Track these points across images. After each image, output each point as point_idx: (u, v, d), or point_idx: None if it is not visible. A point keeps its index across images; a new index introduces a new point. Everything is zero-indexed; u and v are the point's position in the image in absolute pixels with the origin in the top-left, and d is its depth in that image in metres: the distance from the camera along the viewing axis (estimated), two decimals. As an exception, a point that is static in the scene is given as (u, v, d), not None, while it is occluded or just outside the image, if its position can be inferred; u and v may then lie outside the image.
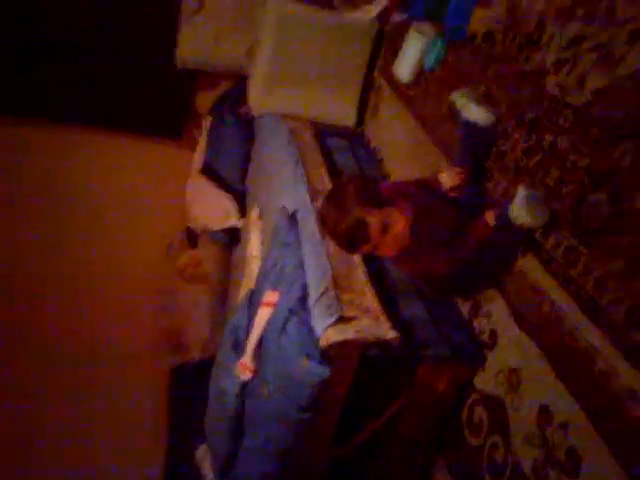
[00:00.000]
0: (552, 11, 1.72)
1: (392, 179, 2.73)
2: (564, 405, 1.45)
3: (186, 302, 2.99)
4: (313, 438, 1.78)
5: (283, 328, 1.74)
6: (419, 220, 1.73)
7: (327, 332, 1.63)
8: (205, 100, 3.75)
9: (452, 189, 1.90)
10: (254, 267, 2.40)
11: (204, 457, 2.28)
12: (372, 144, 3.09)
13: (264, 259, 2.27)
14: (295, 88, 3.05)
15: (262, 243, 2.48)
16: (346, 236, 1.65)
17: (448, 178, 1.90)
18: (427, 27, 2.46)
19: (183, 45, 3.42)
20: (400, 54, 2.64)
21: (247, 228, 2.79)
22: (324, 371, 1.59)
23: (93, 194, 3.49)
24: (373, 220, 1.62)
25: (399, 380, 1.82)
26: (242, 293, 2.42)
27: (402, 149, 2.70)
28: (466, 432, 1.84)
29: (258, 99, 3.13)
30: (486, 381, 1.78)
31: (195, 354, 2.81)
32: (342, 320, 1.65)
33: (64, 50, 3.56)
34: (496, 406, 1.71)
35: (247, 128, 3.24)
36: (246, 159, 3.20)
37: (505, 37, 1.96)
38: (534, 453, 1.54)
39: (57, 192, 3.46)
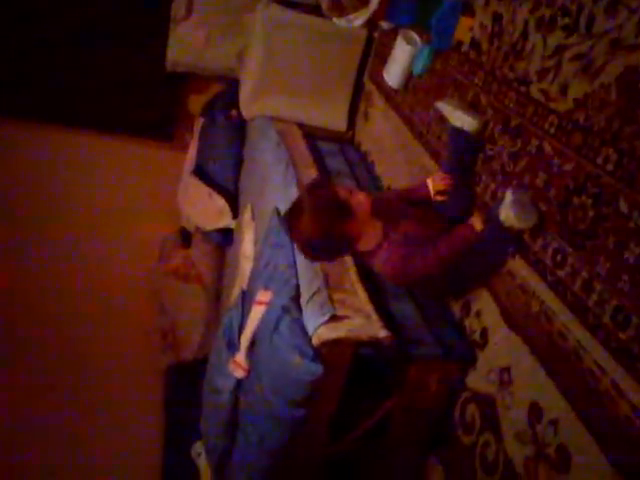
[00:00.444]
0: (534, 21, 1.77)
1: (383, 182, 2.78)
2: (554, 403, 1.48)
3: (180, 302, 3.01)
4: (307, 436, 1.80)
5: (276, 327, 1.76)
6: (391, 220, 1.78)
7: (320, 331, 1.66)
8: (196, 102, 3.79)
9: (438, 193, 1.95)
10: (247, 267, 2.43)
11: (200, 454, 2.31)
12: (362, 148, 3.13)
13: (257, 259, 2.29)
14: (285, 93, 3.09)
15: (255, 243, 2.51)
16: (320, 247, 1.70)
17: (434, 183, 1.96)
18: (415, 35, 2.52)
19: (173, 49, 3.45)
20: (389, 60, 2.69)
21: (240, 228, 2.82)
22: (317, 369, 1.61)
23: (85, 195, 3.50)
24: (344, 227, 1.67)
25: (391, 379, 1.85)
26: (235, 292, 2.44)
27: (392, 153, 2.74)
28: (459, 431, 1.87)
29: (248, 104, 3.16)
30: (478, 380, 1.81)
31: (189, 353, 2.83)
32: (334, 319, 1.68)
33: (55, 51, 3.56)
34: (488, 404, 1.74)
35: (238, 130, 3.27)
36: (238, 160, 3.22)
37: (490, 46, 2.02)
38: (525, 450, 1.57)
39: (49, 193, 3.47)
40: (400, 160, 2.63)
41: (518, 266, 1.69)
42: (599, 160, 1.43)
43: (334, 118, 3.19)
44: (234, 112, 3.28)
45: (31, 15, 3.47)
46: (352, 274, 1.91)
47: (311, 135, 3.05)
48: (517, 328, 1.67)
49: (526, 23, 1.81)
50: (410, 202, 1.99)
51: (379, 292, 1.93)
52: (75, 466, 2.29)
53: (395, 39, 2.63)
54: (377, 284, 1.97)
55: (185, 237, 3.37)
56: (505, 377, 1.68)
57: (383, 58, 2.85)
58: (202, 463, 2.30)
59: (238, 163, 3.20)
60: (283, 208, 2.23)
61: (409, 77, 2.62)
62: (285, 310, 1.78)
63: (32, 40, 3.52)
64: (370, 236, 1.75)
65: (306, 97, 3.11)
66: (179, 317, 2.95)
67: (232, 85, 3.42)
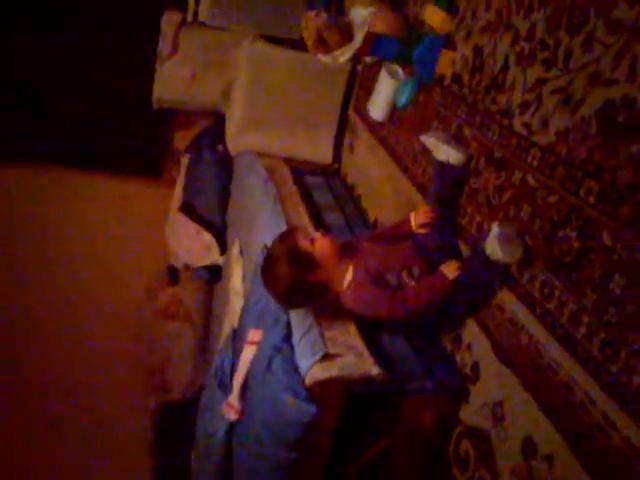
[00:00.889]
0: (515, 55, 1.80)
1: (370, 214, 2.79)
2: (548, 437, 1.47)
3: (168, 340, 2.99)
4: (301, 477, 1.77)
5: (268, 367, 1.75)
6: (360, 260, 1.83)
7: (312, 370, 1.65)
8: (182, 138, 3.81)
9: (421, 226, 1.97)
10: (237, 304, 2.41)
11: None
12: (349, 180, 3.15)
13: (247, 297, 2.28)
14: (271, 127, 3.12)
15: (243, 279, 2.50)
16: (294, 298, 1.80)
17: (417, 215, 1.99)
18: (398, 68, 2.56)
19: (159, 87, 3.48)
20: (373, 94, 2.72)
21: (228, 264, 2.81)
22: (310, 409, 1.59)
23: (73, 234, 3.49)
24: (310, 277, 1.74)
25: (385, 415, 1.84)
26: (225, 331, 2.42)
27: (378, 186, 2.76)
28: (454, 470, 1.85)
29: (235, 139, 3.19)
30: (471, 414, 1.81)
31: (178, 393, 2.80)
32: (327, 357, 1.67)
33: (42, 94, 3.58)
34: (482, 439, 1.73)
35: (225, 165, 3.29)
36: (225, 196, 3.23)
37: (472, 79, 2.05)
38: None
39: (33, 231, 3.46)
40: (386, 193, 2.65)
41: (507, 299, 1.70)
42: (582, 193, 1.45)
43: (320, 151, 3.22)
44: (220, 147, 3.30)
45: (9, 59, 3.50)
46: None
47: (297, 169, 3.07)
48: (508, 361, 1.67)
49: (506, 57, 1.84)
50: (396, 238, 2.02)
51: (371, 328, 1.92)
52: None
53: (379, 72, 2.67)
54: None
55: (173, 275, 3.35)
56: (498, 411, 1.68)
57: (367, 91, 2.89)
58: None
59: (225, 199, 3.21)
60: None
61: (393, 110, 2.65)
62: (277, 349, 1.77)
63: (16, 82, 3.54)
64: (341, 278, 1.80)
65: (292, 131, 3.14)
66: (167, 356, 2.92)
67: (218, 121, 3.45)
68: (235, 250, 2.73)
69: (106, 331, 3.04)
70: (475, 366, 1.82)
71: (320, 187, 2.98)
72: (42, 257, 3.34)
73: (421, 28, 2.44)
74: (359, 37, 2.22)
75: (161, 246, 3.42)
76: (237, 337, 2.17)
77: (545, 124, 1.61)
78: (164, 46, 3.41)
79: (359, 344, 1.76)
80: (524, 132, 1.71)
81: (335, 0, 2.92)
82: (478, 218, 1.90)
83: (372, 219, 2.76)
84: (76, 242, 3.47)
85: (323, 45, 2.24)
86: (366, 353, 1.73)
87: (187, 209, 3.25)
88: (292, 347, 1.78)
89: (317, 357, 1.66)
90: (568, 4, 1.56)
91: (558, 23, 1.60)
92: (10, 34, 3.48)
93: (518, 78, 1.76)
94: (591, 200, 1.41)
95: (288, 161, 3.11)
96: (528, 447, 1.54)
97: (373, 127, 2.90)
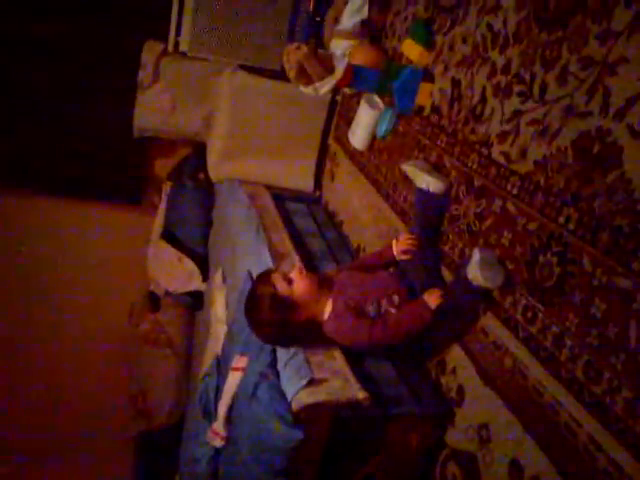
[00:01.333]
0: (492, 87, 1.87)
1: (351, 241, 2.83)
2: (534, 458, 1.49)
3: (150, 367, 2.96)
4: (289, 504, 1.77)
5: (254, 393, 1.75)
6: (338, 292, 1.87)
7: (298, 395, 1.66)
8: (163, 166, 3.82)
9: (403, 253, 2.01)
10: (220, 330, 2.41)
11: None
12: (330, 207, 3.19)
13: (231, 324, 2.28)
14: (252, 156, 3.15)
15: (226, 307, 2.50)
16: (281, 338, 1.84)
17: (398, 242, 2.03)
18: (377, 99, 2.62)
19: (139, 115, 3.48)
20: (353, 123, 2.78)
21: (211, 292, 2.81)
22: (297, 434, 1.60)
23: (54, 262, 3.46)
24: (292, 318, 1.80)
25: (371, 439, 1.84)
26: (208, 357, 2.42)
27: (359, 213, 2.80)
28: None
29: (216, 167, 3.21)
30: (457, 437, 1.82)
31: (160, 420, 2.77)
32: (313, 382, 1.68)
33: (21, 118, 3.57)
34: (468, 462, 1.74)
35: (207, 193, 3.31)
36: (207, 223, 3.24)
37: (450, 110, 2.11)
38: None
39: (20, 259, 3.42)
40: (368, 220, 2.69)
41: (490, 323, 1.73)
42: (561, 219, 1.50)
43: (301, 179, 3.27)
44: (202, 175, 3.32)
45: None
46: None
47: (279, 196, 3.10)
48: (492, 384, 1.70)
49: (484, 89, 1.91)
50: (378, 265, 2.07)
51: (356, 352, 1.94)
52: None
53: (358, 103, 2.73)
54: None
55: (154, 301, 3.34)
56: (484, 434, 1.70)
57: (347, 120, 2.95)
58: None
59: (207, 226, 3.22)
60: (255, 272, 2.25)
61: (373, 139, 2.71)
62: (262, 376, 1.78)
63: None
64: (322, 311, 1.84)
65: (273, 159, 3.18)
66: (149, 382, 2.89)
67: (199, 149, 3.47)
68: (218, 277, 2.73)
69: (88, 358, 3.02)
70: (460, 389, 1.84)
71: (302, 213, 3.01)
72: (24, 283, 3.30)
73: (400, 61, 2.51)
74: (340, 69, 2.28)
75: (142, 273, 3.41)
76: (221, 364, 2.17)
77: (523, 154, 1.67)
78: (144, 76, 3.43)
79: (345, 369, 1.78)
80: (503, 161, 1.76)
81: (315, 32, 2.99)
82: (460, 244, 1.94)
83: (355, 246, 2.79)
84: (58, 268, 3.44)
85: (304, 77, 2.29)
86: (352, 378, 1.74)
87: (169, 237, 3.26)
88: (278, 373, 1.79)
89: (303, 382, 1.67)
90: (542, 40, 1.63)
91: (532, 59, 1.66)
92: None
93: (496, 109, 1.82)
94: (571, 226, 1.46)
95: (270, 188, 3.14)
96: (515, 469, 1.55)
97: (353, 155, 2.95)
